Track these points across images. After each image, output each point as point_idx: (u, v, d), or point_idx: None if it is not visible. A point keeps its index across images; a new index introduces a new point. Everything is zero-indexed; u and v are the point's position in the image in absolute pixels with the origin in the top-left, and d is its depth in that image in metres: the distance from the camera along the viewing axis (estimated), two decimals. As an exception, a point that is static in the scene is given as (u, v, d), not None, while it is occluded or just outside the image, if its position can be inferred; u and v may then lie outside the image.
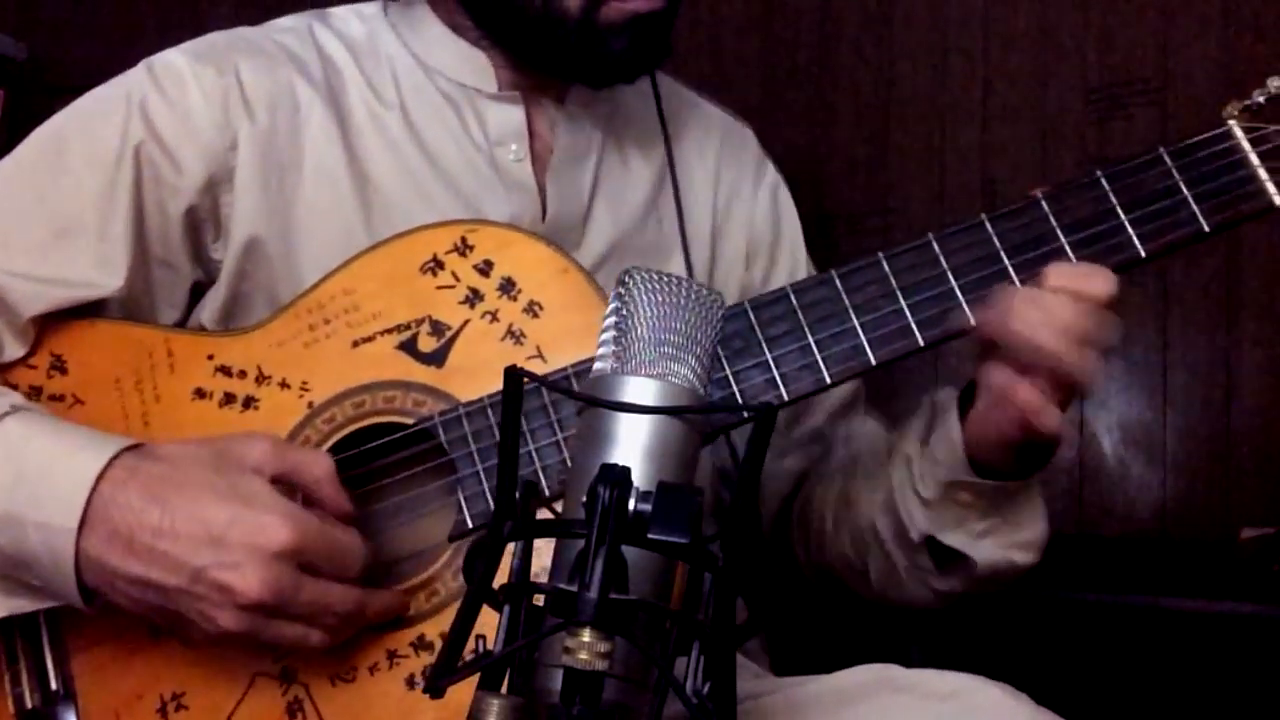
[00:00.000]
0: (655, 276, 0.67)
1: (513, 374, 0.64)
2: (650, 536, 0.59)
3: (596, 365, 0.67)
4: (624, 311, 0.66)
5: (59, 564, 0.86)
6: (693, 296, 0.67)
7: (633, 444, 0.64)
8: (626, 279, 0.67)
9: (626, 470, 0.60)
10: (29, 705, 0.94)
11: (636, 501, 0.60)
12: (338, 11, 1.18)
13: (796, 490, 1.22)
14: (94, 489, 0.86)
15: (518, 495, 0.64)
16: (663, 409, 0.64)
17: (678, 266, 1.17)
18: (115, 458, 0.88)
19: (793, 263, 1.28)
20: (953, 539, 1.02)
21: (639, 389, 0.64)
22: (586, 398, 0.66)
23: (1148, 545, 1.77)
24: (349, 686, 0.91)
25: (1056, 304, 0.91)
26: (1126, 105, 1.82)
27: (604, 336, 0.67)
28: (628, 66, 1.08)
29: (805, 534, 1.19)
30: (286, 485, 0.90)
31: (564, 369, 0.95)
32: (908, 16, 1.96)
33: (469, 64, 1.12)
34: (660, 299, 0.66)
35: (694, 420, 0.65)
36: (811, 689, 0.99)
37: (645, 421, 0.64)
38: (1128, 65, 1.83)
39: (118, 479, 0.87)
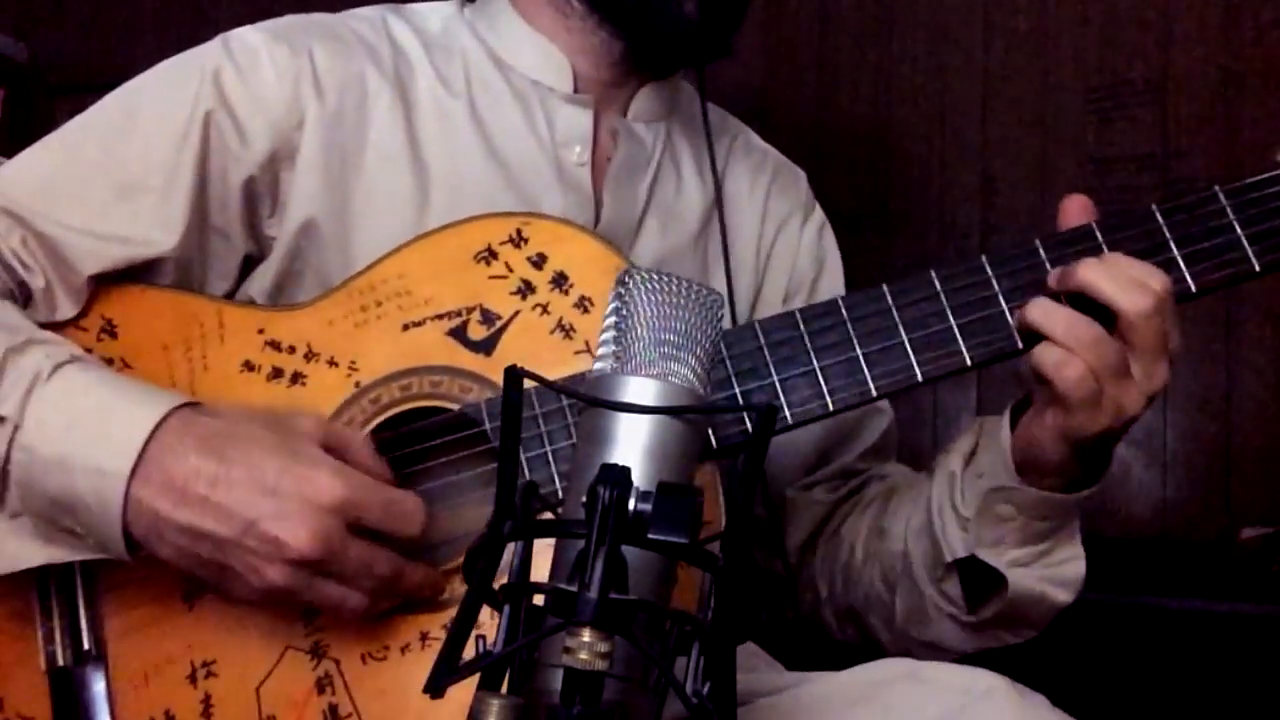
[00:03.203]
0: (655, 276, 0.67)
1: (512, 374, 0.64)
2: (650, 536, 0.59)
3: (596, 365, 0.68)
4: (624, 311, 0.66)
5: (107, 510, 0.86)
6: (692, 296, 0.67)
7: (633, 444, 0.64)
8: (626, 279, 0.67)
9: (626, 470, 0.60)
10: (60, 662, 0.94)
11: (636, 501, 0.60)
12: (415, 6, 1.20)
13: (825, 523, 1.19)
14: (150, 438, 0.86)
15: (518, 496, 0.64)
16: (663, 409, 0.64)
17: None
18: (172, 411, 0.88)
19: None
20: (988, 556, 0.99)
21: (639, 389, 0.65)
22: (587, 398, 0.66)
23: (1148, 545, 1.77)
24: (380, 665, 0.91)
25: (1076, 329, 0.90)
26: (1126, 105, 1.82)
27: (604, 336, 0.67)
28: (698, 34, 1.08)
29: (831, 567, 1.16)
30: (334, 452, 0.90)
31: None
32: (908, 16, 1.96)
33: (548, 62, 1.13)
34: (660, 299, 0.66)
35: (694, 420, 0.65)
36: (832, 683, 0.98)
37: (645, 421, 0.64)
38: (1128, 65, 1.83)
39: (174, 428, 0.87)
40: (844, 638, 1.17)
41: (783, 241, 1.25)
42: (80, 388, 0.89)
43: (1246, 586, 1.53)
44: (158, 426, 0.87)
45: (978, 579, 1.02)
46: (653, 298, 0.66)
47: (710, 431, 0.91)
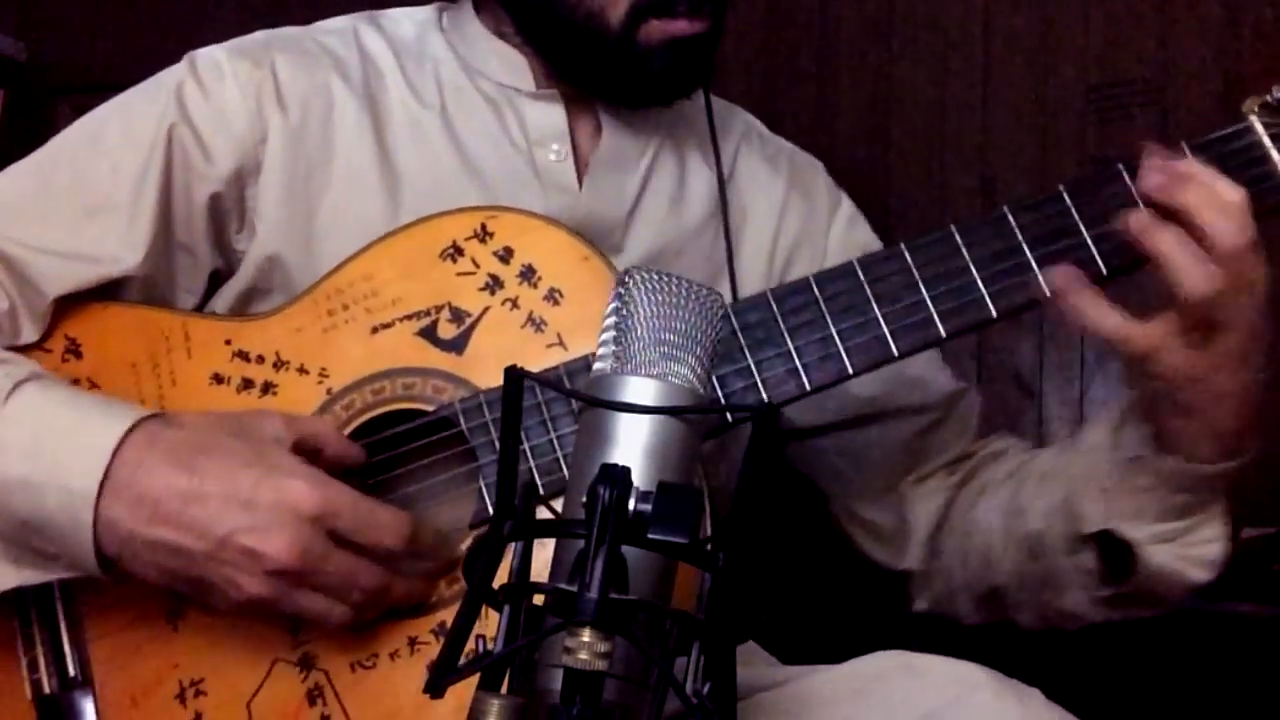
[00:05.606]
0: (655, 276, 0.67)
1: (512, 374, 0.64)
2: (650, 536, 0.59)
3: (596, 365, 0.68)
4: (624, 311, 0.66)
5: (78, 530, 0.85)
6: (692, 296, 0.67)
7: (633, 444, 0.64)
8: (626, 279, 0.67)
9: (627, 470, 0.60)
10: (46, 690, 0.94)
11: (636, 501, 0.60)
12: (391, 13, 1.19)
13: (948, 510, 1.17)
14: (115, 454, 0.85)
15: (518, 495, 0.64)
16: (663, 409, 0.64)
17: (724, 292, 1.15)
18: (136, 424, 0.87)
19: None
20: (1127, 530, 0.98)
21: (639, 389, 0.65)
22: (587, 398, 0.66)
23: (1148, 545, 1.76)
24: (370, 673, 0.91)
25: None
26: (1126, 105, 1.82)
27: (604, 336, 0.67)
28: (665, 88, 1.08)
29: (965, 552, 1.14)
30: (306, 453, 0.90)
31: (583, 357, 0.94)
32: (908, 16, 1.95)
33: (508, 64, 1.12)
34: (660, 299, 0.66)
35: (694, 420, 0.65)
36: (827, 677, 0.98)
37: (645, 421, 0.64)
38: (1128, 65, 1.83)
39: (140, 444, 0.86)
40: (977, 621, 1.16)
41: (808, 245, 1.22)
42: (41, 406, 0.89)
43: (1246, 586, 1.53)
44: (122, 442, 0.86)
45: (1116, 555, 1.00)
46: (653, 297, 0.66)
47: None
